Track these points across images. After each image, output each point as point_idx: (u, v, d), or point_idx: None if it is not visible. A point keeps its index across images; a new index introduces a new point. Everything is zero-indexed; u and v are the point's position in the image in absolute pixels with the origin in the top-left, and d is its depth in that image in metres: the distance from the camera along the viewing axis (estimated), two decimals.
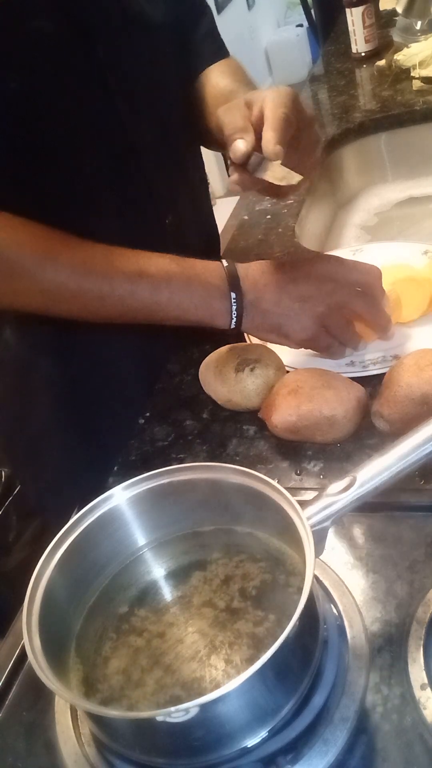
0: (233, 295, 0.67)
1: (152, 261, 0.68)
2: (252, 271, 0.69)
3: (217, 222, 1.03)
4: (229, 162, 0.66)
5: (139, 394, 0.82)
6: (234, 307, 0.68)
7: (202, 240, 0.96)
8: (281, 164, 0.62)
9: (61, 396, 0.85)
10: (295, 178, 0.64)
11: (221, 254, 1.03)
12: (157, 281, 0.67)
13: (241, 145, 0.61)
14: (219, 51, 0.90)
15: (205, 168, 0.97)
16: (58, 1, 0.66)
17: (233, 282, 0.67)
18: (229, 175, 0.66)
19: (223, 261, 0.70)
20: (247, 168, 0.63)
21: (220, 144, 0.79)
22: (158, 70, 0.79)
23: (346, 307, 0.70)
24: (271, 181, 0.64)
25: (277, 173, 0.64)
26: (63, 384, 0.85)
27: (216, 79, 0.86)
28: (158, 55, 0.79)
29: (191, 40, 0.88)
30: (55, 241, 0.67)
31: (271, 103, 0.62)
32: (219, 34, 0.92)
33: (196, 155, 0.93)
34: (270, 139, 0.59)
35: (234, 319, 0.68)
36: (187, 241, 0.84)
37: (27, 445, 0.92)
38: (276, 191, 0.69)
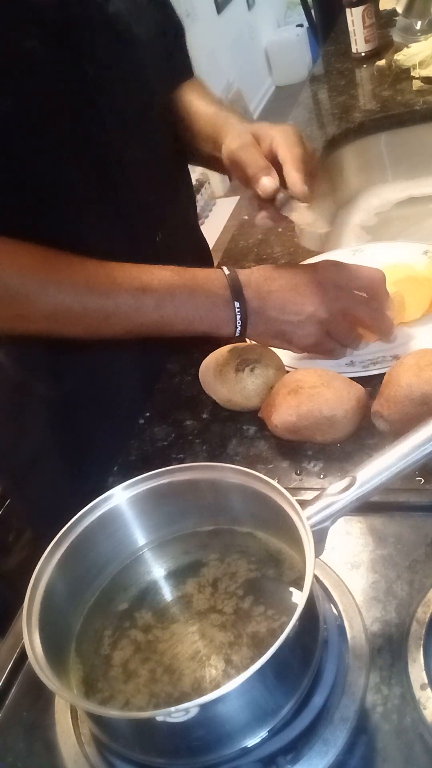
0: (237, 304, 0.67)
1: (155, 275, 0.68)
2: (254, 278, 0.69)
3: (217, 222, 1.03)
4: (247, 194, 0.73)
5: (139, 394, 0.82)
6: (238, 316, 0.68)
7: (193, 253, 0.96)
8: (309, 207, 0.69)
9: (62, 397, 0.85)
10: (322, 227, 0.69)
11: (215, 264, 1.03)
12: (160, 295, 0.67)
13: (269, 183, 0.66)
14: (190, 68, 0.93)
15: (205, 168, 0.97)
16: (45, 21, 0.65)
17: (236, 290, 0.67)
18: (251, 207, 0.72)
19: (224, 268, 0.69)
20: (274, 204, 0.68)
21: (212, 164, 0.86)
22: (145, 85, 0.79)
23: (349, 313, 0.70)
24: (299, 225, 0.69)
25: (305, 218, 0.69)
26: (63, 384, 0.84)
27: (196, 101, 0.87)
28: (144, 70, 0.78)
29: (172, 53, 0.88)
30: (57, 263, 0.66)
31: (284, 143, 0.68)
32: (187, 51, 0.93)
33: (184, 170, 0.93)
34: (297, 181, 0.65)
35: (239, 327, 0.68)
36: (178, 256, 0.84)
37: (25, 447, 0.91)
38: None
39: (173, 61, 0.88)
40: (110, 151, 0.74)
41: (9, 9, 0.62)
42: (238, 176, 0.75)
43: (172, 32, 0.89)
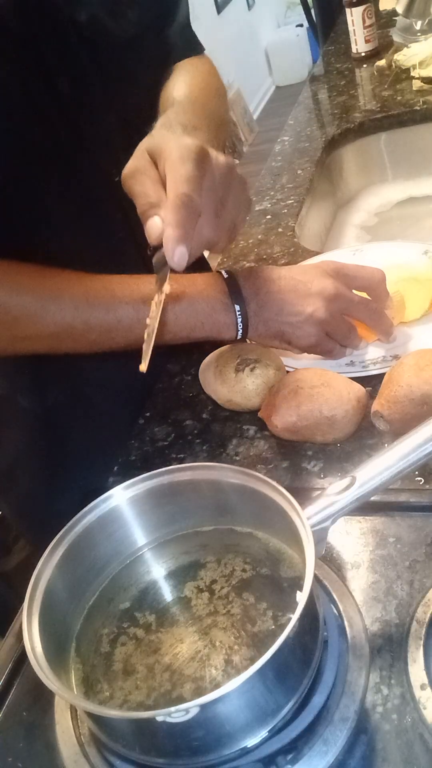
0: (237, 307, 0.67)
1: (153, 285, 0.67)
2: (253, 279, 0.69)
3: None
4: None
5: (139, 394, 0.82)
6: (239, 319, 0.68)
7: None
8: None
9: (61, 396, 0.85)
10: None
11: (216, 264, 1.02)
12: None
13: (154, 229, 0.51)
14: (188, 48, 0.84)
15: None
16: (10, 39, 0.62)
17: (235, 294, 0.67)
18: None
19: (222, 272, 0.69)
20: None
21: None
22: (130, 93, 0.76)
23: (349, 313, 0.70)
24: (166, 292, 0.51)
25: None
26: (62, 383, 0.84)
27: (170, 87, 0.77)
28: (127, 77, 0.75)
29: (164, 41, 0.81)
30: (54, 281, 0.66)
31: (172, 173, 0.51)
32: (191, 29, 0.84)
33: None
34: (170, 238, 0.49)
35: (240, 331, 0.68)
36: None
37: (25, 448, 0.91)
38: None
39: (169, 45, 0.82)
40: (94, 168, 0.72)
41: None
42: None
43: (167, 14, 0.82)
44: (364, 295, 0.72)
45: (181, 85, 0.76)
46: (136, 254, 0.80)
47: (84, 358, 0.70)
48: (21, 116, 0.65)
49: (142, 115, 0.78)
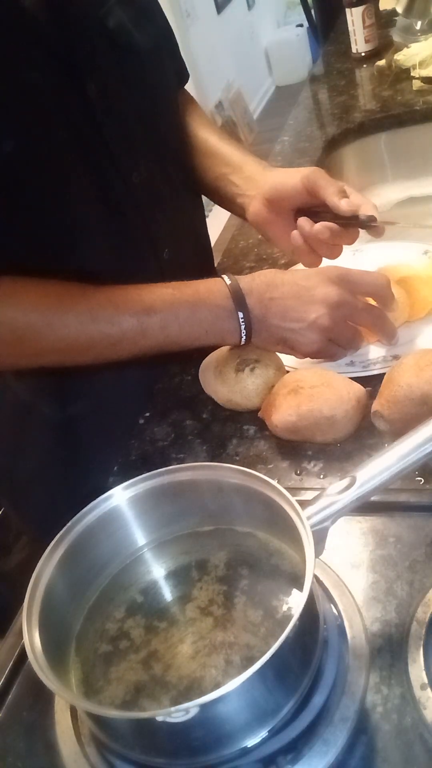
0: (240, 314, 0.67)
1: (156, 295, 0.67)
2: (256, 285, 0.68)
3: (217, 222, 1.02)
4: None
5: (139, 394, 0.82)
6: (243, 326, 0.68)
7: (197, 262, 0.95)
8: None
9: (80, 405, 0.85)
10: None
11: (216, 264, 1.03)
12: (164, 316, 0.67)
13: (348, 205, 0.72)
14: (185, 71, 0.93)
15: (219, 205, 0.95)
16: (46, 47, 0.63)
17: (238, 300, 0.67)
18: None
19: (225, 277, 0.69)
20: (359, 223, 0.74)
21: (214, 193, 0.88)
22: (150, 100, 0.77)
23: (353, 320, 0.70)
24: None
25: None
26: (84, 392, 0.84)
27: (210, 138, 0.89)
28: (147, 83, 0.76)
29: (170, 59, 0.87)
30: (58, 297, 0.66)
31: (362, 197, 0.76)
32: (180, 53, 0.93)
33: (191, 180, 0.90)
34: (374, 212, 0.73)
35: (244, 337, 0.69)
36: (183, 268, 0.82)
37: (27, 450, 0.91)
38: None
39: (171, 66, 0.87)
40: (116, 172, 0.73)
41: (9, 41, 0.60)
42: (284, 205, 0.78)
43: (166, 37, 0.86)
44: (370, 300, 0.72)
45: (214, 136, 0.90)
46: (153, 258, 0.80)
47: (100, 368, 0.70)
48: (51, 121, 0.65)
49: (161, 123, 0.80)
